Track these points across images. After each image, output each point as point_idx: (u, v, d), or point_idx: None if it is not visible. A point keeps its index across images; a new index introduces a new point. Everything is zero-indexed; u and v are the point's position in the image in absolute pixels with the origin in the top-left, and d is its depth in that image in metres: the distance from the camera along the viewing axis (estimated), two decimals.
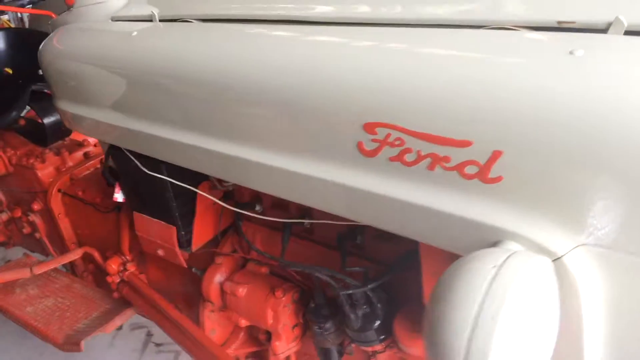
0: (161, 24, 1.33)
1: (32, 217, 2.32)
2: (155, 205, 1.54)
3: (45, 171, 2.21)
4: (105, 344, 2.85)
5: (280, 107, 0.98)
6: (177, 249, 1.55)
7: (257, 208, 1.50)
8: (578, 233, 0.73)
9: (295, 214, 1.43)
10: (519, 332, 0.66)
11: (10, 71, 2.41)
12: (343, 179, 0.95)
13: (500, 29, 0.84)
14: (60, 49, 1.51)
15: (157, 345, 2.81)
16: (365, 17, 1.01)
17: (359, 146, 0.90)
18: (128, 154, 1.47)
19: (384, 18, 0.98)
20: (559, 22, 0.79)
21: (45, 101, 2.19)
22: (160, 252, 1.62)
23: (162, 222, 1.55)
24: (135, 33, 1.32)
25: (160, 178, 1.43)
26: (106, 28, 1.45)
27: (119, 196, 1.68)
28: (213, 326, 1.66)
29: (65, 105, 1.53)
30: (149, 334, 2.87)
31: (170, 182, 1.44)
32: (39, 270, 2.03)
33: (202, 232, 1.56)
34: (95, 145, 2.40)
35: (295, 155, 1.00)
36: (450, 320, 0.67)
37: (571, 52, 0.72)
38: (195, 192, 1.49)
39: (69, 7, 1.66)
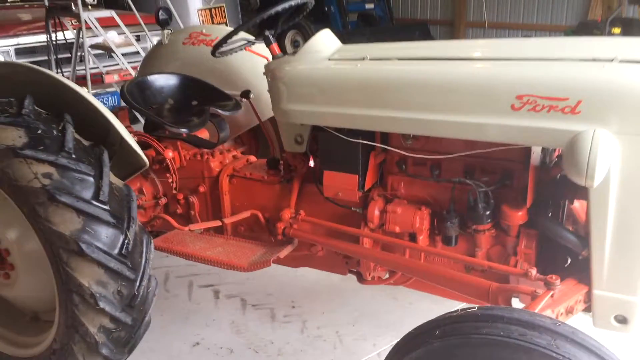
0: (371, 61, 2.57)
1: (192, 198, 3.36)
2: (346, 162, 2.70)
3: (215, 163, 3.30)
4: (210, 307, 3.81)
5: (470, 91, 2.24)
6: (356, 190, 2.71)
7: (403, 167, 2.72)
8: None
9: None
10: None
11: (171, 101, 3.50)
12: (498, 121, 2.21)
13: None
14: (294, 78, 2.68)
15: (254, 305, 3.80)
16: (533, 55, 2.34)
17: (512, 106, 2.17)
18: (334, 132, 2.65)
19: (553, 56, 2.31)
20: None
21: (217, 118, 3.31)
22: (340, 195, 2.77)
23: (347, 174, 2.72)
24: (359, 65, 2.55)
25: (356, 144, 2.62)
26: (330, 65, 2.65)
27: (311, 163, 2.84)
28: None
29: (296, 106, 2.69)
30: (243, 300, 3.86)
31: (360, 145, 2.62)
32: (228, 221, 3.08)
33: (370, 179, 2.74)
34: (236, 150, 3.52)
35: (471, 114, 2.25)
36: None
37: None
38: (369, 153, 2.69)
39: (278, 55, 2.85)
